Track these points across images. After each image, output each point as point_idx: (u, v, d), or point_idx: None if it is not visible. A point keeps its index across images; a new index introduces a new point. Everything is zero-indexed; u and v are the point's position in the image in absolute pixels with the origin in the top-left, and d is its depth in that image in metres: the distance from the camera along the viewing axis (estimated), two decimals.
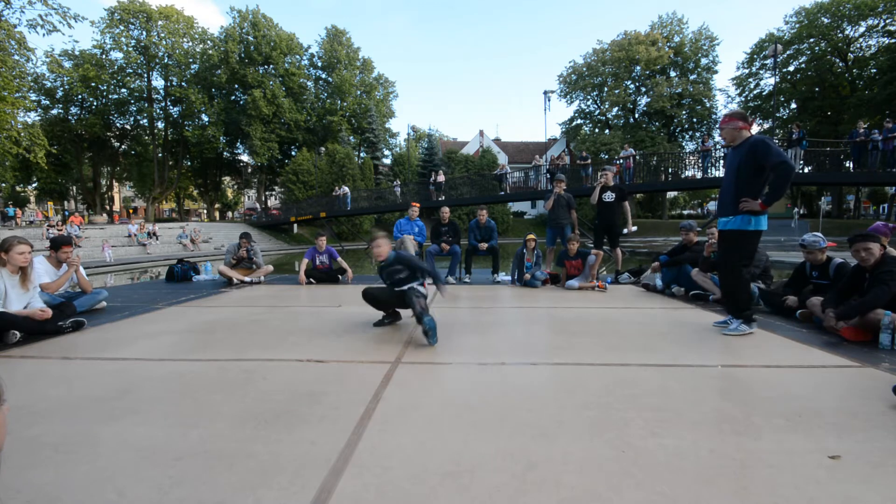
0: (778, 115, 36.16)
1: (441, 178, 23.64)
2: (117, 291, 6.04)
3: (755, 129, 36.99)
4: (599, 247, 6.85)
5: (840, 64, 34.70)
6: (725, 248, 3.42)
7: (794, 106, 38.21)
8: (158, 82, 36.02)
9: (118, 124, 36.87)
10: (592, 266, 5.92)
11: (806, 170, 16.03)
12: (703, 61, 40.93)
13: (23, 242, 3.39)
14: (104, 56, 32.52)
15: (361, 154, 42.16)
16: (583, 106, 45.18)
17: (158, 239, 22.48)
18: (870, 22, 31.73)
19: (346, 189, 28.17)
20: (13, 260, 3.33)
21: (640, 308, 4.60)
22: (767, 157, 3.09)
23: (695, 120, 41.53)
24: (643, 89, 41.47)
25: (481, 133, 47.44)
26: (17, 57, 17.28)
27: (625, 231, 6.78)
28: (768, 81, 37.05)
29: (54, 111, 32.67)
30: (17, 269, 3.39)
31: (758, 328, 3.41)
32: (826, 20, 33.04)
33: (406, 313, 3.66)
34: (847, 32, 33.30)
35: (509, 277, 6.52)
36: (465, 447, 1.59)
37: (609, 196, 6.64)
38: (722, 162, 16.74)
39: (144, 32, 33.24)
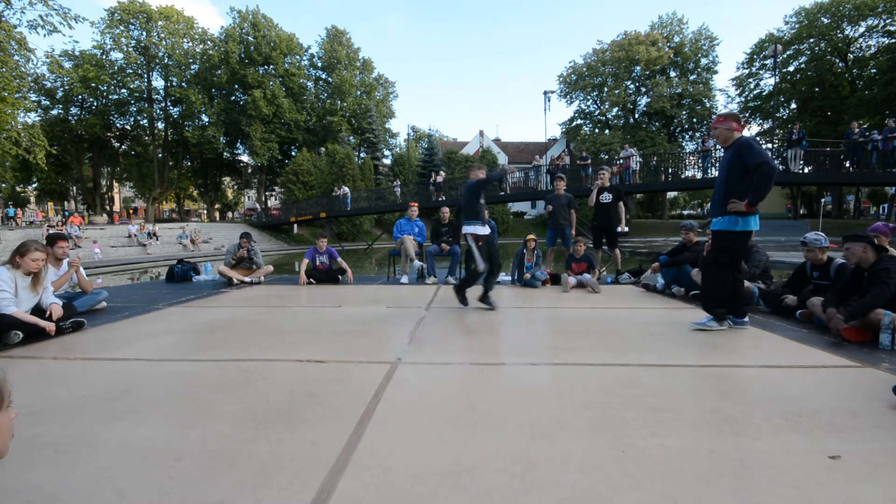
0: (778, 115, 36.18)
1: (441, 178, 23.66)
2: (117, 291, 6.03)
3: (755, 129, 36.99)
4: (598, 247, 6.86)
5: (840, 64, 34.69)
6: (713, 247, 3.51)
7: (794, 106, 38.20)
8: (158, 83, 36.09)
9: (118, 125, 36.87)
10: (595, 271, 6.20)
11: (806, 170, 16.03)
12: (703, 61, 40.92)
13: (40, 250, 3.47)
14: (104, 56, 32.52)
15: (361, 154, 42.16)
16: (583, 106, 45.21)
17: (158, 239, 22.47)
18: (870, 22, 31.73)
19: (346, 189, 28.18)
20: (26, 265, 3.42)
21: (640, 308, 4.60)
22: (750, 157, 3.13)
23: (695, 120, 41.51)
24: (643, 89, 41.46)
25: (481, 133, 47.45)
26: (17, 57, 17.26)
27: (619, 229, 6.80)
28: (768, 81, 37.07)
29: (54, 111, 32.68)
30: (29, 273, 3.47)
31: (757, 328, 3.42)
32: (826, 20, 33.04)
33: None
34: (847, 32, 33.29)
35: (509, 277, 6.52)
36: (465, 447, 1.59)
37: (606, 197, 6.65)
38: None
39: (144, 33, 33.25)
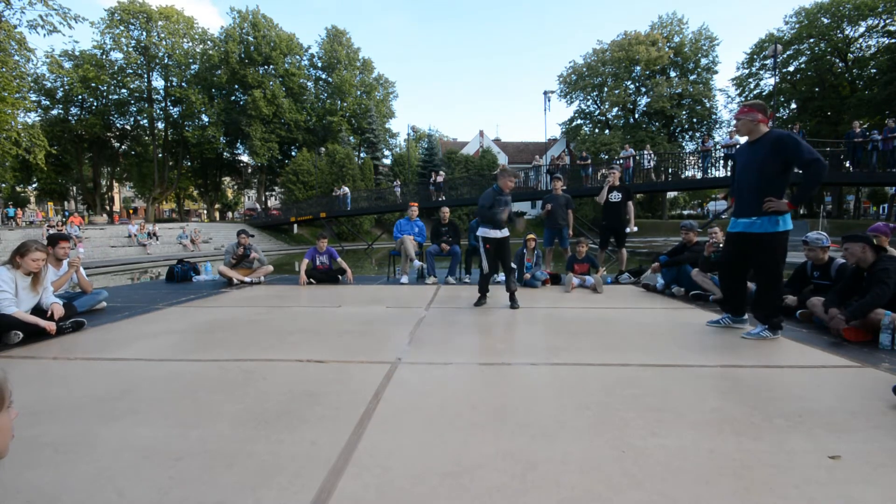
0: (778, 115, 36.12)
1: (441, 178, 23.66)
2: (117, 291, 6.04)
3: None
4: (605, 247, 6.84)
5: (840, 64, 34.68)
6: (760, 252, 3.16)
7: (794, 106, 38.17)
8: (158, 83, 36.10)
9: (118, 125, 36.86)
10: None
11: None
12: (703, 61, 40.91)
13: (40, 250, 3.48)
14: (104, 56, 32.53)
15: (361, 154, 42.15)
16: (583, 106, 45.17)
17: (158, 239, 22.48)
18: (870, 22, 31.71)
19: (346, 189, 28.19)
20: (26, 265, 3.43)
21: (640, 308, 4.60)
22: (798, 154, 2.95)
23: (695, 120, 41.52)
24: (643, 89, 41.45)
25: (481, 133, 47.44)
26: (17, 57, 17.26)
27: (627, 230, 6.77)
28: (768, 82, 37.02)
29: (54, 111, 32.67)
30: (29, 273, 3.47)
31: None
32: (826, 20, 33.03)
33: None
34: (847, 33, 33.27)
35: None
36: (465, 447, 1.59)
37: (616, 196, 6.61)
38: (722, 162, 16.74)
39: (144, 33, 33.25)
